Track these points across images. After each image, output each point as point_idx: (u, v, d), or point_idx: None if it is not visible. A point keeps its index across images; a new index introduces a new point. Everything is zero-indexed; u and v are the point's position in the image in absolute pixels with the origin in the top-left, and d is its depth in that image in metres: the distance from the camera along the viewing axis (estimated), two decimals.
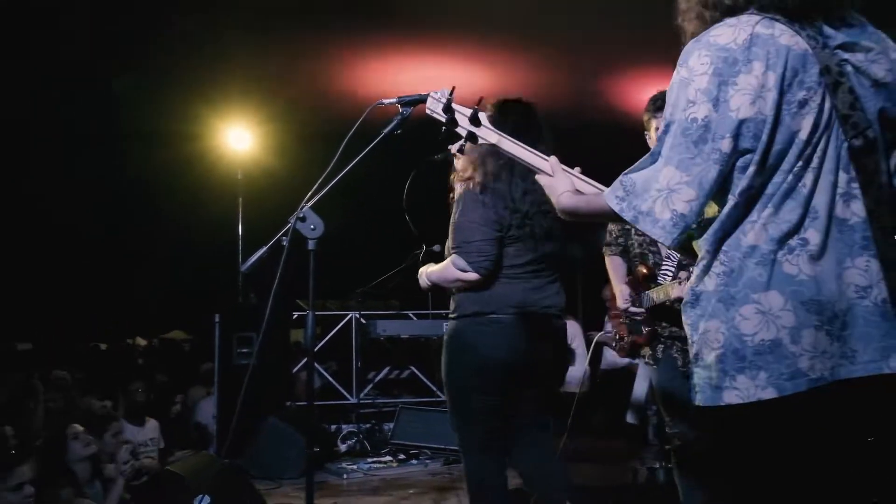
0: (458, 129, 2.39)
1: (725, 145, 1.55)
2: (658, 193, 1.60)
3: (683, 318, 1.70)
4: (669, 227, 1.60)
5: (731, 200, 1.58)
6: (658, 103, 2.85)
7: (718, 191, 1.60)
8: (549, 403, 3.05)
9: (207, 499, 3.26)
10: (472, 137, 2.38)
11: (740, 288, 1.56)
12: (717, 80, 1.55)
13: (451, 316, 2.90)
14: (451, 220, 2.88)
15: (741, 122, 1.54)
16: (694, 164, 1.57)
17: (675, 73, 1.65)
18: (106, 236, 9.09)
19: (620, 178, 1.70)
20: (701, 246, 1.67)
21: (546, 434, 3.02)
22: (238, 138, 6.03)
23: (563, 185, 2.01)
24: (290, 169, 6.01)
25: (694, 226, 1.64)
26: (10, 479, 2.95)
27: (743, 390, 1.54)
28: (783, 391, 1.51)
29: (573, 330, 7.23)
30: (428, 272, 2.94)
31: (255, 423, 5.29)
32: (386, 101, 2.74)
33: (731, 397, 1.55)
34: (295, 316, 6.64)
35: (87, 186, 6.98)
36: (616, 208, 1.68)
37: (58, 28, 4.70)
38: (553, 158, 2.12)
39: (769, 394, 1.51)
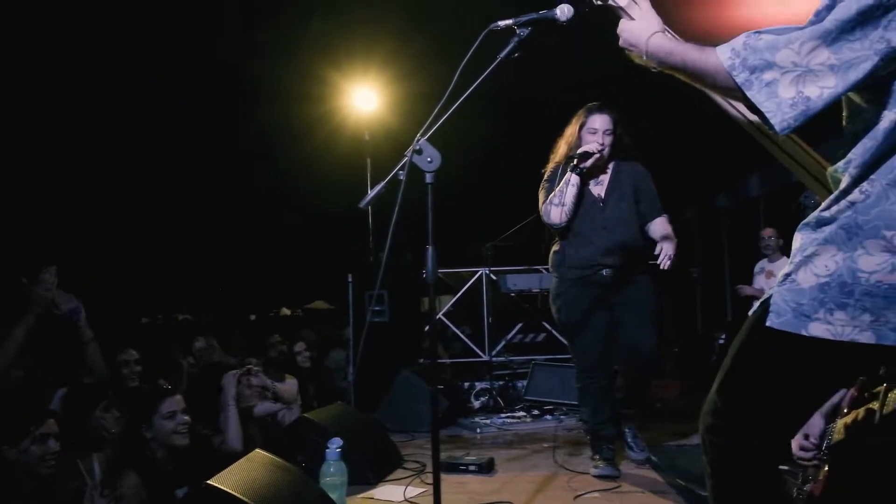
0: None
1: None
2: (793, 67, 1.33)
3: (795, 237, 1.46)
4: (787, 107, 1.34)
5: (891, 118, 1.33)
6: None
7: (875, 106, 1.34)
8: None
9: (339, 441, 3.30)
10: None
11: (871, 218, 1.33)
12: None
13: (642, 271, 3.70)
14: None
15: None
16: (850, 47, 1.29)
17: None
18: (242, 207, 9.52)
19: (745, 33, 1.42)
20: (843, 169, 1.40)
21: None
22: (364, 98, 6.06)
23: (651, 24, 1.64)
24: (416, 127, 6.00)
25: (809, 117, 1.34)
26: (162, 408, 3.11)
27: (837, 327, 1.35)
28: (883, 339, 1.33)
29: None
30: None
31: (390, 378, 5.36)
32: (502, 23, 2.54)
33: (818, 330, 1.37)
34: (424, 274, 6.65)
35: (216, 153, 7.29)
36: (726, 63, 1.40)
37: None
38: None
39: (866, 338, 1.33)
